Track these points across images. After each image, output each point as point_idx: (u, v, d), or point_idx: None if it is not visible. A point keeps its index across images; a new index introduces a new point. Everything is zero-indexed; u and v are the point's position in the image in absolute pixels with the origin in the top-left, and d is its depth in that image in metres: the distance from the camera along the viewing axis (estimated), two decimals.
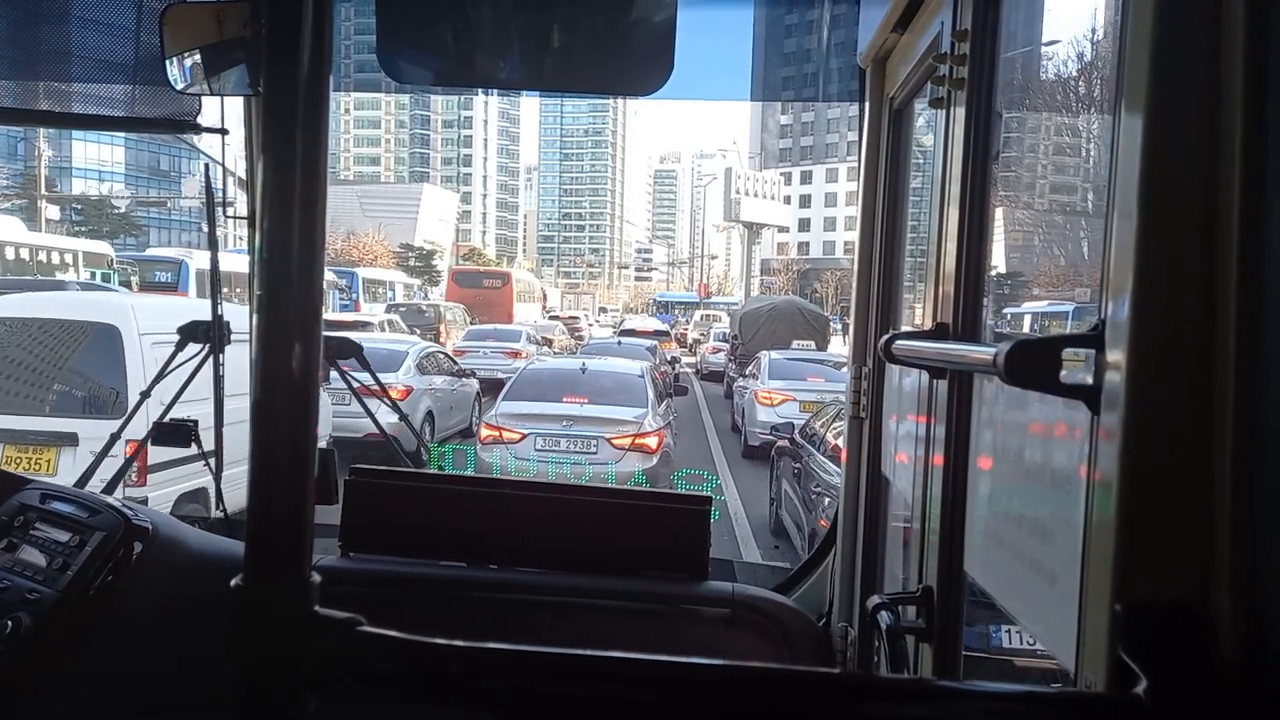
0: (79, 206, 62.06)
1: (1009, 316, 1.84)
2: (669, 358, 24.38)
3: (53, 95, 2.21)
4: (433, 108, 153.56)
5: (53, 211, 41.16)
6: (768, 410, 14.83)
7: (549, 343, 30.15)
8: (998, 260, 1.66)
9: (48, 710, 1.94)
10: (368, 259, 68.26)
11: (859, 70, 2.24)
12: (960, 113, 1.53)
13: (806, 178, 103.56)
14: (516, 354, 23.67)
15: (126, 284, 27.34)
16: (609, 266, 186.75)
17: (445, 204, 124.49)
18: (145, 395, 3.13)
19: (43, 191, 38.11)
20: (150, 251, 40.18)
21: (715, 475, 12.07)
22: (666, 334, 36.79)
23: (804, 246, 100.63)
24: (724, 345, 29.85)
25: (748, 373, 18.27)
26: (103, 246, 31.68)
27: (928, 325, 1.65)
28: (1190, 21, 0.77)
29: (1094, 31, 1.36)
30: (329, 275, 39.88)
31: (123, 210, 66.22)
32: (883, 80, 2.16)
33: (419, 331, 26.59)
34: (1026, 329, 1.93)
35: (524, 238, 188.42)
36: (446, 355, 17.27)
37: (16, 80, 2.23)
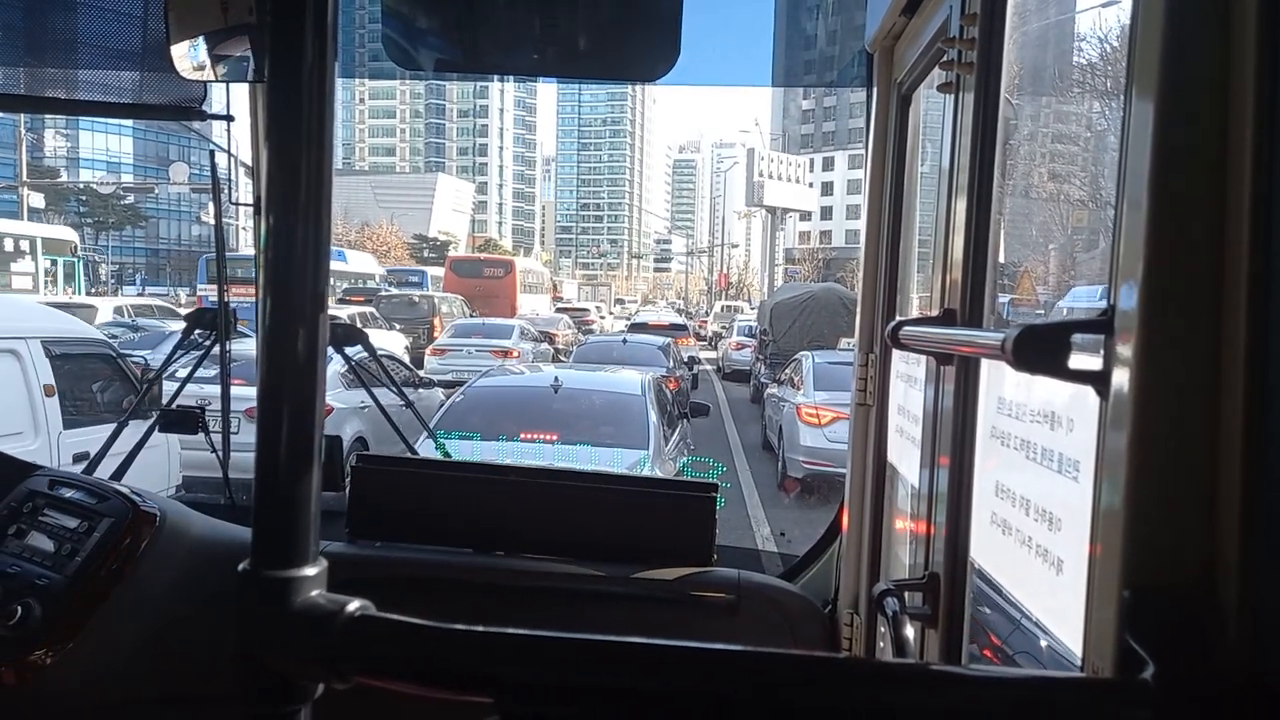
0: (84, 197, 62.00)
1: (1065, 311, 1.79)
2: (685, 357, 20.78)
3: (58, 82, 2.21)
4: (448, 97, 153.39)
5: (36, 199, 40.41)
6: (814, 432, 11.80)
7: (551, 339, 26.37)
8: (1009, 247, 1.64)
9: (56, 697, 1.95)
10: (381, 250, 67.49)
11: (867, 55, 2.22)
12: (969, 97, 1.52)
13: (829, 164, 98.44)
14: (507, 353, 20.60)
15: (93, 275, 25.11)
16: (627, 257, 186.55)
17: (461, 194, 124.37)
18: (151, 383, 3.14)
19: (24, 178, 37.91)
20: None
21: (728, 478, 9.64)
22: (684, 328, 33.18)
23: (826, 235, 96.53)
24: (749, 341, 26.68)
25: (783, 378, 15.03)
26: (65, 232, 28.34)
27: (935, 311, 1.64)
28: (1202, 6, 0.76)
29: (1104, 14, 1.34)
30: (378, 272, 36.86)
31: (130, 201, 66.14)
32: (890, 65, 2.14)
33: (402, 327, 24.23)
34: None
35: (541, 229, 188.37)
36: (400, 361, 13.90)
37: (21, 67, 2.23)
